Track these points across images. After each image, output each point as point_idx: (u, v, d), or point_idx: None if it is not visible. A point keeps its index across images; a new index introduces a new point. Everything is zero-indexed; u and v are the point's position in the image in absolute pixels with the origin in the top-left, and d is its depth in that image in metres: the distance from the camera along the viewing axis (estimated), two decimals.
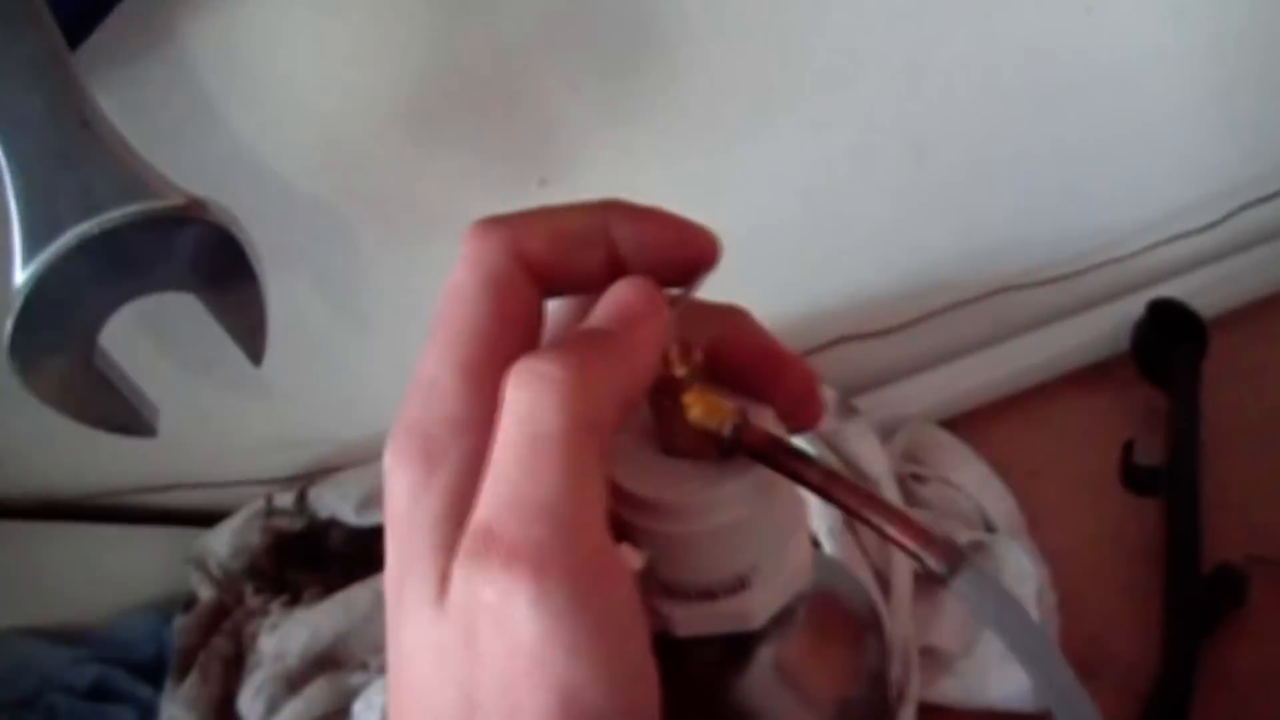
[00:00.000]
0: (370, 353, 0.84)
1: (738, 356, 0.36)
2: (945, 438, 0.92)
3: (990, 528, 0.85)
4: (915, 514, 0.77)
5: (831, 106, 0.87)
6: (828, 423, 0.86)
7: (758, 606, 0.35)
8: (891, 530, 0.33)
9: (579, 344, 0.32)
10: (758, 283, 0.91)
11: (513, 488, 0.29)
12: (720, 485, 0.34)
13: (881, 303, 0.96)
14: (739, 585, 0.35)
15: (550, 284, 0.34)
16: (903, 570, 0.79)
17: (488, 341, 0.32)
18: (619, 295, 0.33)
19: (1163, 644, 0.79)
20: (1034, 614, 0.77)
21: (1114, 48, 0.92)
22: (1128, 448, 0.86)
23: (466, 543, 0.29)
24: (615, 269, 0.35)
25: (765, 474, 0.34)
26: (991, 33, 0.88)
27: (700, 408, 0.34)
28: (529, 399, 0.30)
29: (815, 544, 0.78)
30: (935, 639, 0.79)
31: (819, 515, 0.78)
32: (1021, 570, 0.80)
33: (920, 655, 0.78)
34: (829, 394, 0.88)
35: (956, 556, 0.32)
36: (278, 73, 0.72)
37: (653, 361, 0.33)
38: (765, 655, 0.37)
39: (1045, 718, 0.75)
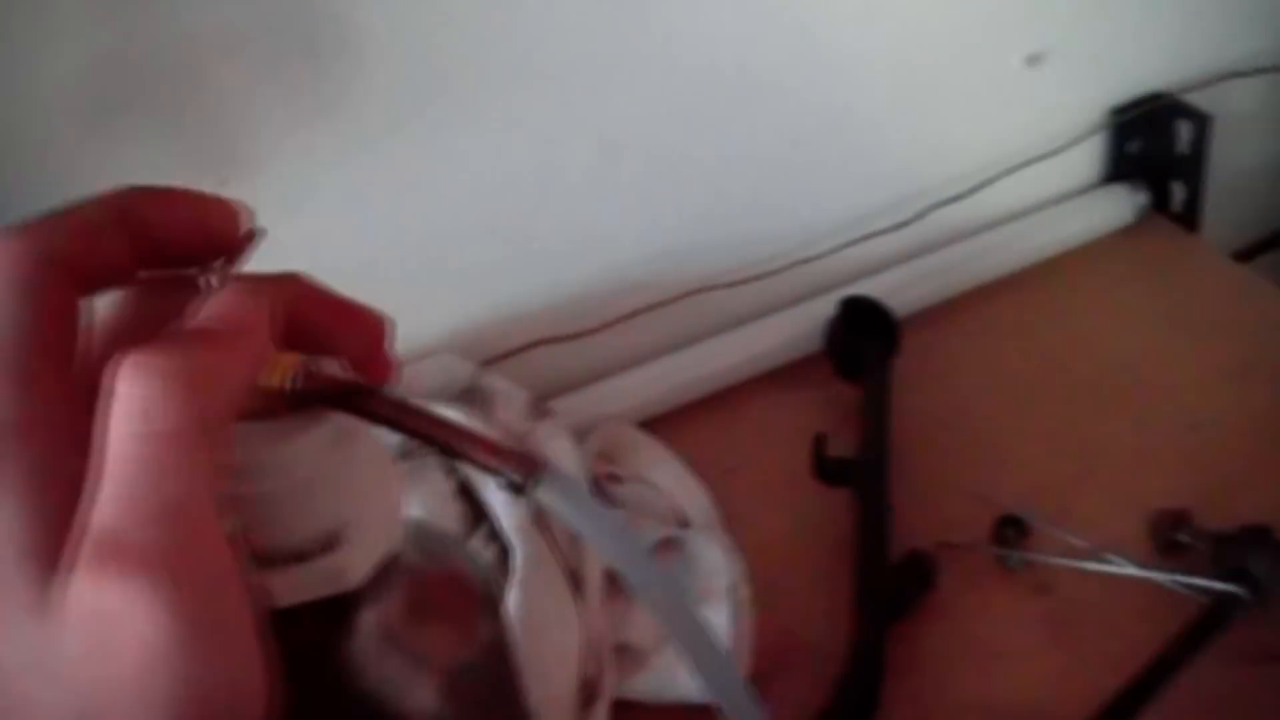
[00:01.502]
0: None
1: (303, 316, 0.35)
2: (640, 437, 0.92)
3: (686, 524, 0.86)
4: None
5: (521, 105, 0.87)
6: (520, 424, 0.85)
7: (353, 563, 0.35)
8: (468, 450, 0.33)
9: (190, 339, 0.31)
10: (449, 285, 0.91)
11: (133, 489, 0.28)
12: (295, 438, 0.33)
13: (576, 305, 0.96)
14: (331, 543, 0.34)
15: (84, 280, 0.33)
16: (595, 567, 0.79)
17: (25, 343, 0.31)
18: (224, 300, 0.33)
19: (853, 630, 0.80)
20: (727, 612, 0.78)
21: (804, 51, 0.94)
22: (819, 440, 0.88)
23: (91, 548, 0.28)
24: (147, 254, 0.34)
25: (343, 424, 0.34)
26: (680, 33, 0.89)
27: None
28: (145, 394, 0.29)
29: (503, 551, 0.77)
30: (629, 635, 0.79)
31: (505, 514, 0.77)
32: (715, 565, 0.80)
33: (615, 653, 0.78)
34: (522, 395, 0.87)
35: (537, 467, 0.32)
36: None
37: (258, 365, 0.33)
38: (368, 619, 0.36)
39: None
